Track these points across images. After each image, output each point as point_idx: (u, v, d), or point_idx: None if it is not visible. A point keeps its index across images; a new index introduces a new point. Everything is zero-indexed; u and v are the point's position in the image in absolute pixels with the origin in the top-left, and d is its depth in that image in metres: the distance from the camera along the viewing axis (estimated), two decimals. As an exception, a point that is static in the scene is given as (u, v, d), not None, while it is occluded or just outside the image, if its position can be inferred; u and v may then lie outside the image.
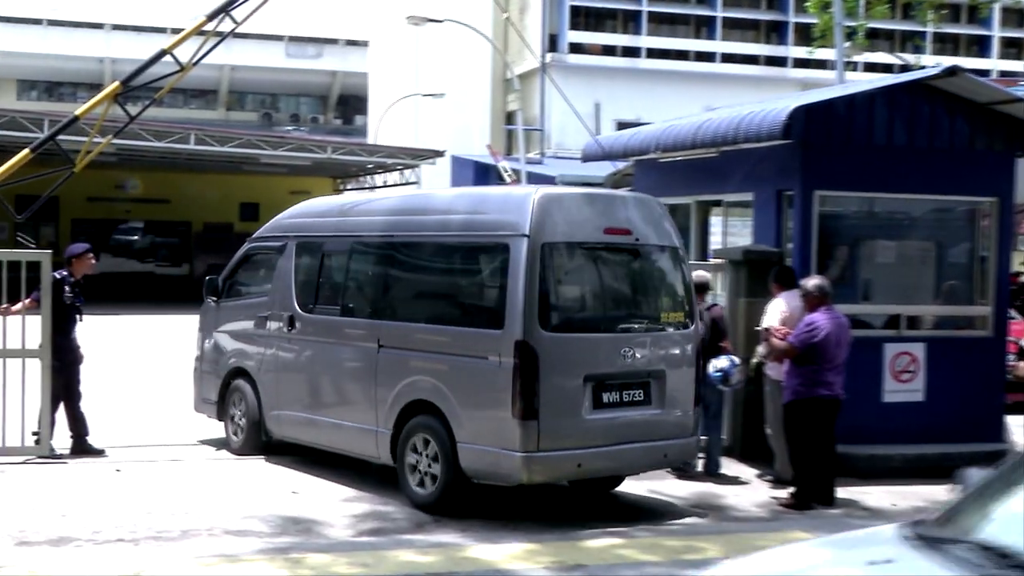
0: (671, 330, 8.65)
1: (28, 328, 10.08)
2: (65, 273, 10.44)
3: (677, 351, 8.61)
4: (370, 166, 35.93)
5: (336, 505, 8.54)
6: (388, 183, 36.96)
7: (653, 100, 40.77)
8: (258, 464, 10.05)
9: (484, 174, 35.69)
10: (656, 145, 12.08)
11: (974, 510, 3.81)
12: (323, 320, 9.52)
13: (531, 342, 7.83)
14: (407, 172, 35.58)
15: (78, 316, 10.45)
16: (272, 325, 9.99)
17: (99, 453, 10.25)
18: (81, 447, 10.22)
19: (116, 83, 11.93)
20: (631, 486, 9.38)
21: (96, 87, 56.71)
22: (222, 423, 10.73)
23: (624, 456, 8.27)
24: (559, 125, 39.35)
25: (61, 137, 11.91)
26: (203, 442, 11.01)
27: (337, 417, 9.18)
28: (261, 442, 10.17)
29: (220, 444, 10.75)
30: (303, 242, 10.06)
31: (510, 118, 41.98)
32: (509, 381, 7.83)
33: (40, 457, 9.93)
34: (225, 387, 10.56)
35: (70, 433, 10.29)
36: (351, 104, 68.21)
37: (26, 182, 11.94)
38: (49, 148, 11.85)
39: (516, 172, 29.41)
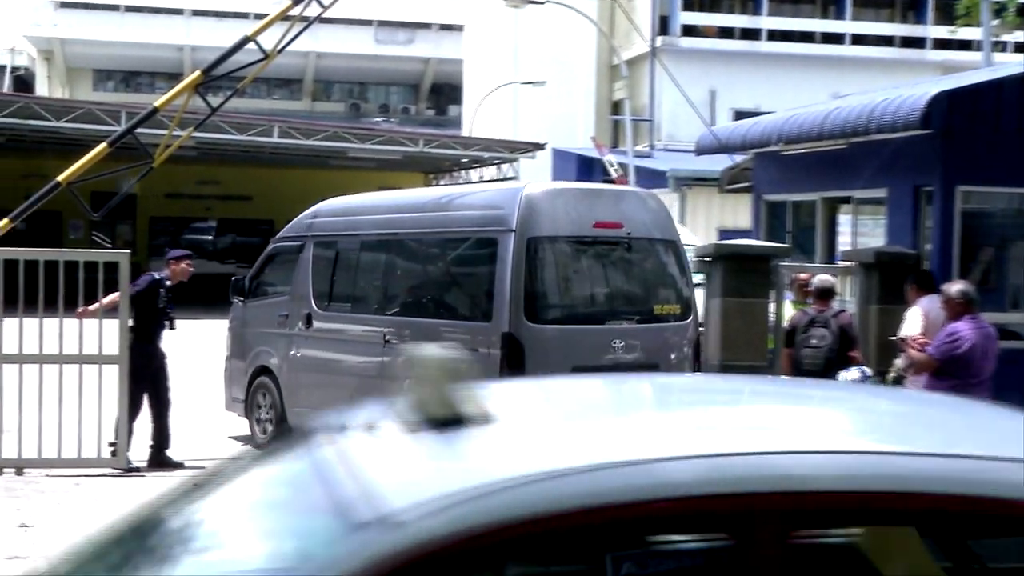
0: (667, 323, 9.33)
1: (101, 334, 10.30)
2: (163, 275, 10.74)
3: (672, 343, 9.29)
4: (464, 160, 36.19)
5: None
6: (484, 178, 37.19)
7: (774, 87, 40.29)
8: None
9: (588, 168, 35.66)
10: (778, 136, 11.95)
11: None
12: (336, 317, 10.53)
13: (517, 334, 8.67)
14: (504, 167, 35.75)
15: (168, 323, 10.71)
16: (292, 323, 10.95)
17: (177, 466, 10.50)
18: (159, 459, 10.48)
19: (197, 72, 12.22)
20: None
21: (175, 77, 58.15)
22: (248, 421, 11.59)
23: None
24: (670, 115, 39.13)
25: (139, 130, 12.22)
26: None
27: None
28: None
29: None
30: (319, 241, 11.13)
31: (616, 108, 41.84)
32: (497, 372, 8.53)
33: (117, 470, 10.20)
34: (250, 385, 11.45)
35: (150, 442, 10.56)
36: (445, 93, 68.78)
37: (102, 178, 12.29)
38: (126, 142, 12.17)
39: (623, 166, 29.33)
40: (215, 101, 12.77)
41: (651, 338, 9.18)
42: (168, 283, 10.75)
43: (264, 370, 11.33)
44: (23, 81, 62.15)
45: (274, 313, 11.25)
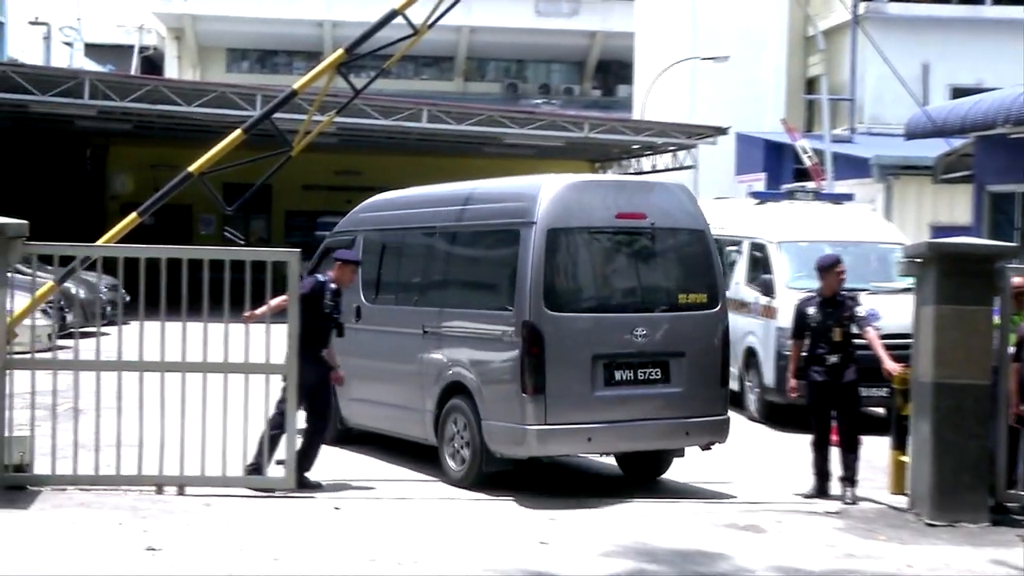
0: (693, 311, 10.71)
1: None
2: (328, 277, 11.07)
3: (699, 332, 10.62)
4: (635, 147, 36.10)
5: (596, 560, 8.63)
6: (657, 167, 37.05)
7: (1000, 60, 38.97)
8: (498, 506, 10.34)
9: (777, 155, 35.15)
10: (1005, 117, 11.61)
11: None
12: (381, 309, 12.19)
13: (536, 322, 10.31)
14: (681, 154, 35.53)
15: (336, 330, 11.04)
16: (344, 316, 11.67)
17: (316, 487, 10.74)
18: (300, 480, 10.72)
19: (339, 51, 12.46)
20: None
21: (315, 56, 59.45)
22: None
23: (639, 432, 10.41)
24: (875, 93, 38.27)
25: (276, 115, 12.51)
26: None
27: (394, 402, 11.31)
28: (338, 431, 12.36)
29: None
30: (368, 235, 12.90)
31: (811, 86, 41.13)
32: (518, 359, 10.34)
33: (286, 490, 10.50)
34: None
35: (279, 458, 10.83)
36: (613, 72, 68.68)
37: (236, 168, 12.62)
38: (263, 128, 12.47)
39: (818, 153, 28.83)
40: (359, 82, 13.00)
41: (676, 327, 10.54)
42: (334, 286, 11.05)
43: None
44: (151, 62, 64.41)
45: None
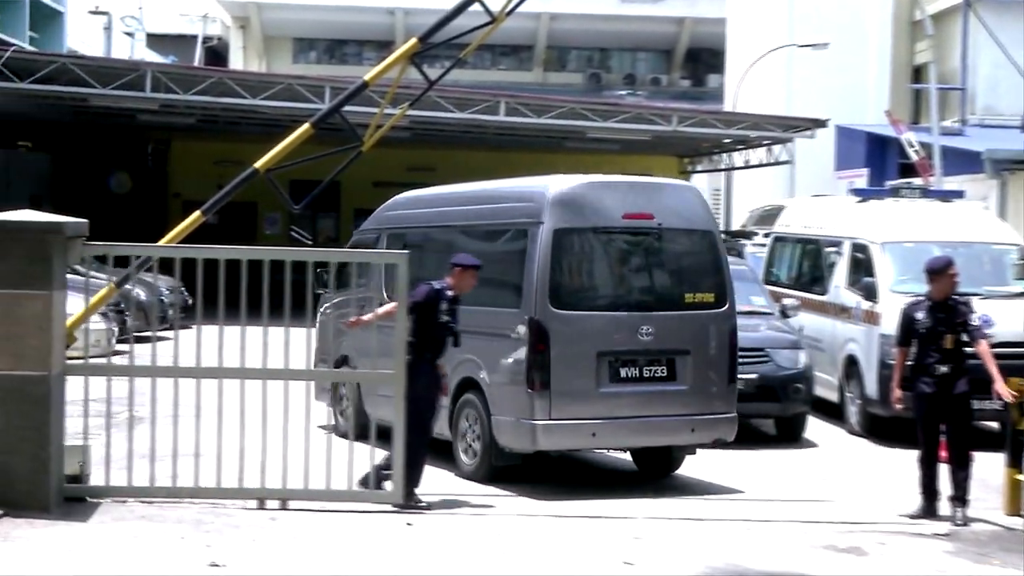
0: (700, 311, 11.51)
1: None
2: (444, 284, 11.08)
3: (706, 331, 11.43)
4: (727, 141, 35.91)
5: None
6: (751, 162, 36.81)
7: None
8: (580, 524, 10.30)
9: (880, 149, 34.81)
10: None
11: None
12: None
13: (542, 320, 11.31)
14: (776, 148, 35.28)
15: (451, 340, 11.08)
16: (367, 312, 12.35)
17: (425, 507, 10.74)
18: (408, 497, 10.69)
19: (412, 40, 12.52)
20: None
21: (386, 45, 59.78)
22: (332, 410, 13.82)
23: (643, 428, 11.20)
24: (988, 82, 37.73)
25: (346, 108, 12.59)
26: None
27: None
28: (361, 426, 12.60)
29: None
30: (392, 233, 13.95)
31: (918, 74, 40.64)
32: (524, 356, 11.35)
33: (395, 506, 10.53)
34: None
35: (369, 471, 10.87)
36: (703, 60, 68.40)
37: (304, 164, 12.69)
38: (332, 122, 12.57)
39: (925, 147, 28.48)
40: (433, 73, 13.05)
41: (682, 326, 11.38)
42: (450, 294, 11.05)
43: (346, 360, 13.62)
44: (216, 53, 65.20)
45: (356, 304, 13.30)
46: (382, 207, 14.82)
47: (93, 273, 11.32)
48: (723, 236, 14.75)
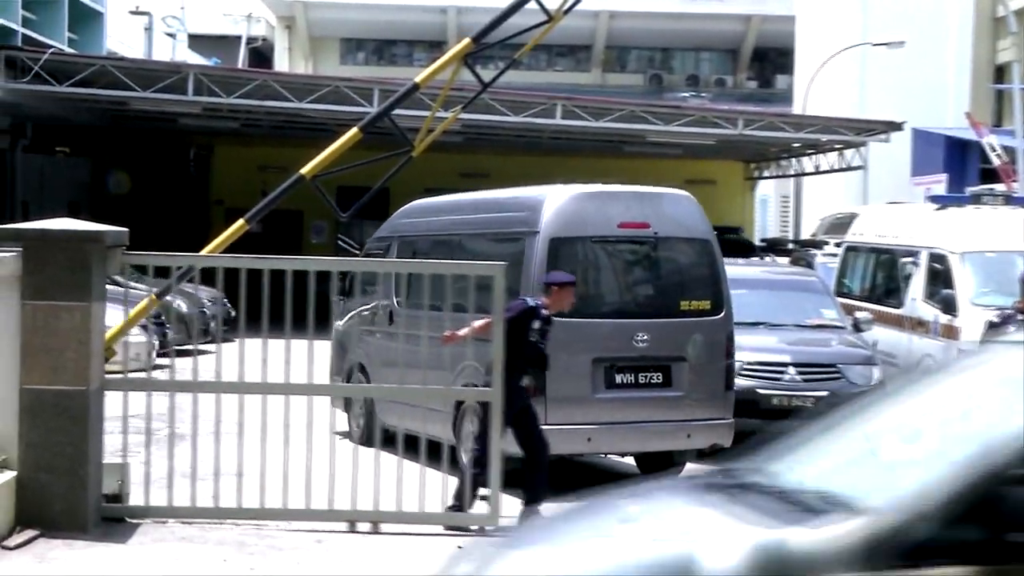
0: (696, 318, 12.12)
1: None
2: (539, 302, 11.16)
3: (702, 338, 12.00)
4: (796, 145, 35.74)
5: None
6: (821, 168, 36.62)
7: None
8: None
9: (960, 154, 34.57)
10: None
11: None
12: (409, 313, 13.46)
13: None
14: (848, 153, 35.08)
15: (541, 361, 11.19)
16: (379, 320, 14.16)
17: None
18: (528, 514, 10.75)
19: (466, 40, 12.57)
20: None
21: (437, 46, 60.04)
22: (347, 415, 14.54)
23: (638, 433, 11.83)
24: (1074, 82, 37.37)
25: (396, 112, 12.65)
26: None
27: (420, 402, 12.02)
28: (373, 432, 12.86)
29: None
30: (403, 241, 14.85)
31: (1001, 74, 40.30)
32: None
33: (489, 528, 10.56)
34: (347, 380, 14.51)
35: (452, 501, 10.99)
36: (770, 60, 68.22)
37: (350, 170, 12.75)
38: (381, 126, 12.62)
39: (1008, 151, 28.24)
40: (487, 75, 13.09)
41: (677, 332, 11.98)
42: (545, 312, 11.10)
43: (360, 366, 14.56)
44: (260, 54, 65.70)
45: (366, 311, 14.35)
46: (395, 214, 15.68)
47: (133, 284, 11.38)
48: (792, 246, 14.89)
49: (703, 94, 61.12)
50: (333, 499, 10.48)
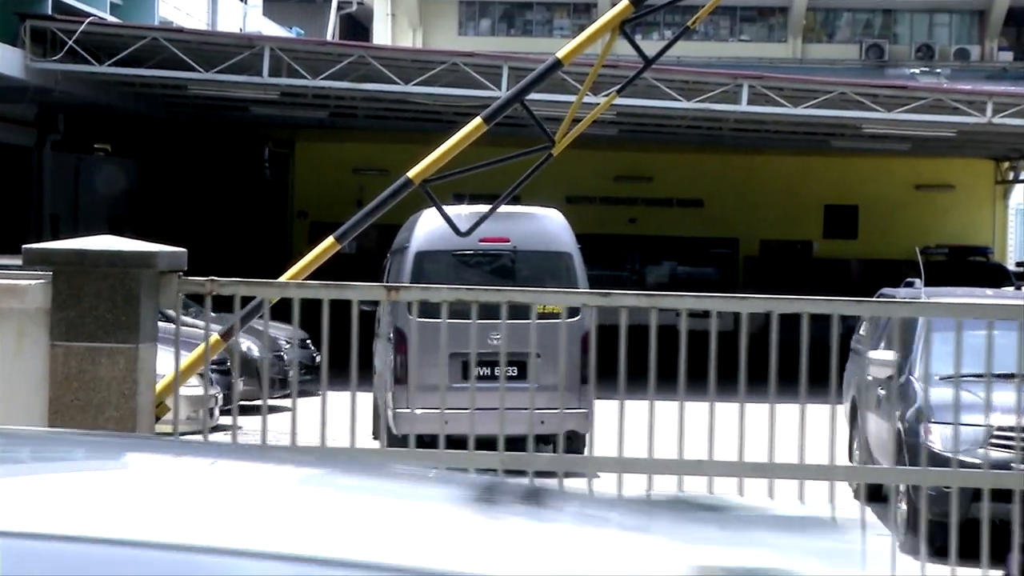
0: (552, 320, 15.11)
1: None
2: None
3: (556, 337, 14.56)
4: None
5: None
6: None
7: None
8: None
9: None
10: None
11: None
12: (411, 321, 17.65)
13: (401, 327, 19.21)
14: None
15: None
16: (384, 330, 19.31)
17: None
18: None
19: (624, 2, 12.57)
20: None
21: (584, 10, 60.18)
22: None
23: (494, 419, 13.97)
24: None
25: (530, 97, 12.65)
26: None
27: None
28: (388, 438, 17.61)
29: None
30: (393, 253, 22.25)
31: None
32: (393, 356, 19.74)
33: None
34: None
35: None
36: (1028, 25, 67.30)
37: (471, 173, 12.75)
38: (511, 116, 12.65)
39: None
40: (650, 48, 13.11)
41: (529, 332, 14.36)
42: None
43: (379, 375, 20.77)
44: (355, 23, 66.32)
45: (389, 321, 19.43)
46: (412, 218, 21.92)
47: (191, 320, 11.50)
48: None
49: (938, 70, 60.50)
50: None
